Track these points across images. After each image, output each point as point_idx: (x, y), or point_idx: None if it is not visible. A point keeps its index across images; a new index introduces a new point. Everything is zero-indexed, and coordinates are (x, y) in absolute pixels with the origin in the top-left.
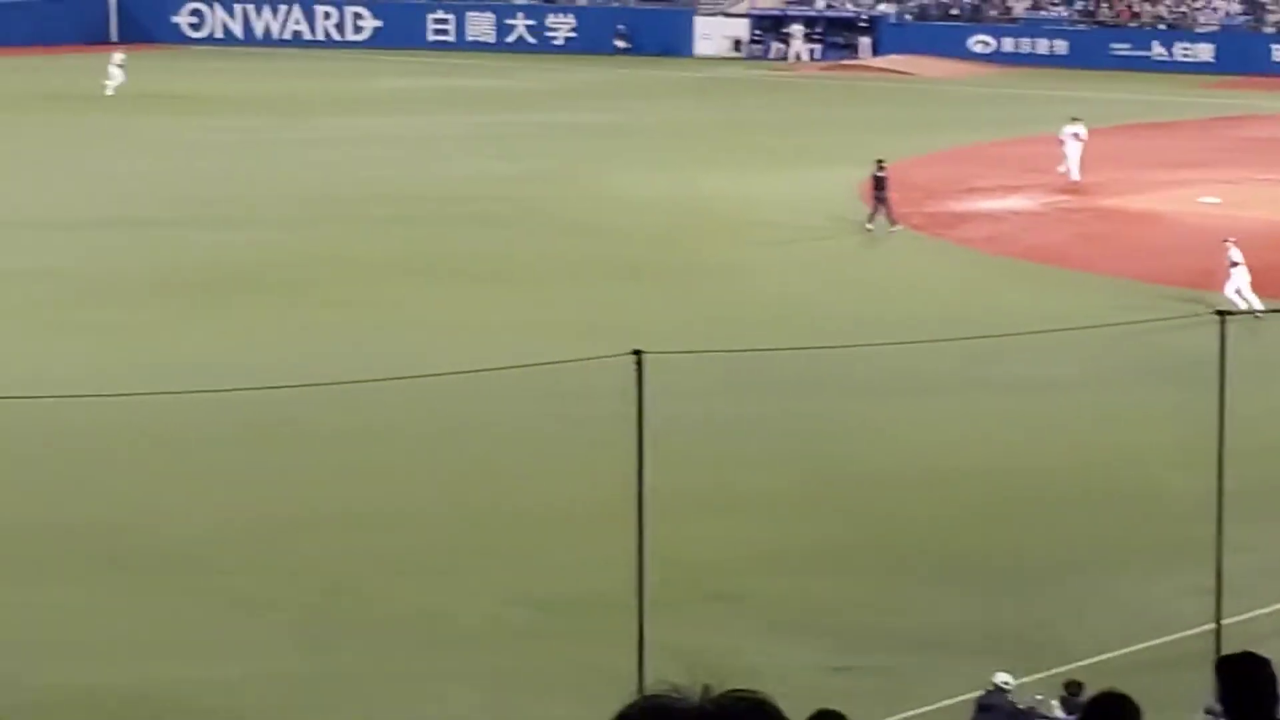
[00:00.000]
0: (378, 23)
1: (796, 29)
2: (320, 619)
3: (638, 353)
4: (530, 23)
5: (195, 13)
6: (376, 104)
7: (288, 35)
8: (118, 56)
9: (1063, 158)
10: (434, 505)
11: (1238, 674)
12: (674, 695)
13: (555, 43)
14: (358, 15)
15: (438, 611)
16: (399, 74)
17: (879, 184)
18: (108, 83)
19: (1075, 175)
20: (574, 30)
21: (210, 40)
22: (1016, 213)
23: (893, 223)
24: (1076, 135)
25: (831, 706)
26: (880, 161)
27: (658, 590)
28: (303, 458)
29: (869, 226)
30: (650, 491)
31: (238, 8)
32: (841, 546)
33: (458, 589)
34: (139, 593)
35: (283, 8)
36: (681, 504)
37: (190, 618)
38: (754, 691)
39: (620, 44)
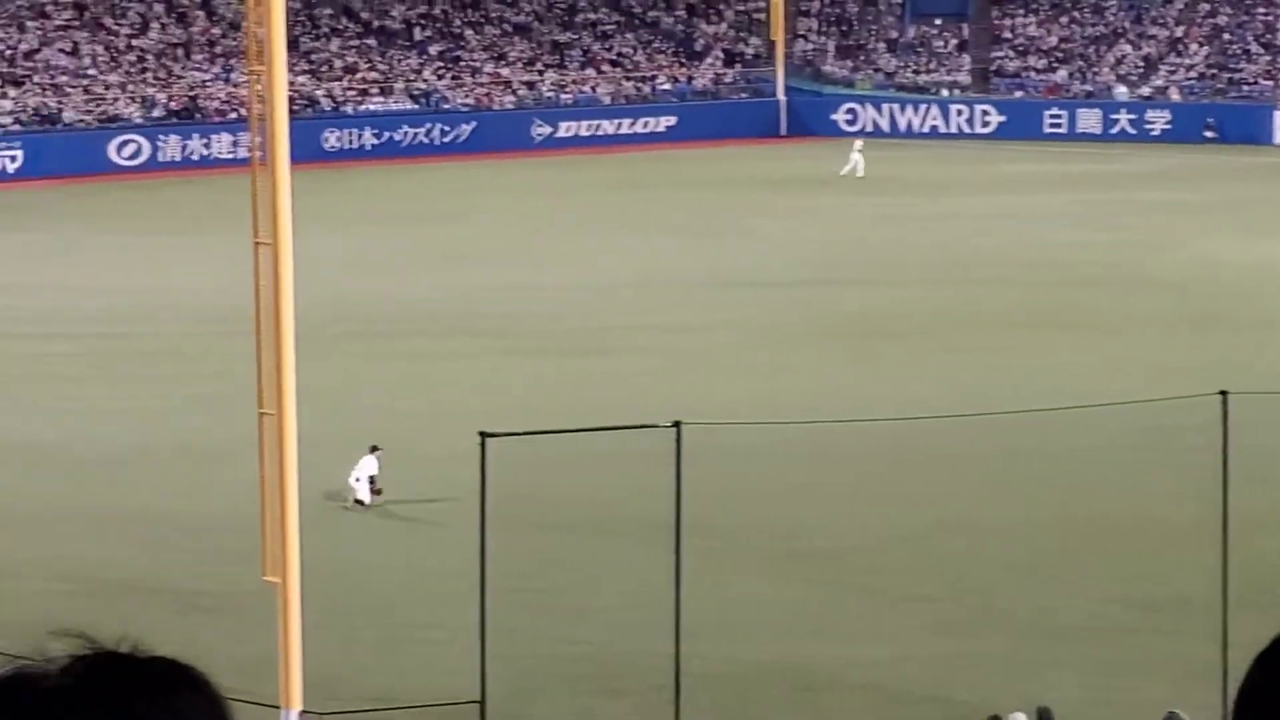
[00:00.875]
0: (1001, 118)
1: None
2: (949, 611)
3: (1224, 393)
4: (1131, 116)
5: (850, 111)
6: (996, 185)
7: (926, 129)
8: (858, 143)
9: None
10: (1043, 517)
11: None
12: None
13: (1152, 133)
14: (985, 111)
15: (1047, 607)
16: (1016, 160)
17: None
18: (847, 167)
19: None
20: (1169, 122)
21: (862, 134)
22: None
23: None
24: None
25: None
26: None
27: (1240, 595)
28: (936, 475)
29: None
30: (1234, 510)
31: (885, 106)
32: None
33: (1063, 589)
34: (806, 584)
35: (922, 106)
36: (1262, 522)
37: (844, 606)
38: None
39: (1209, 134)
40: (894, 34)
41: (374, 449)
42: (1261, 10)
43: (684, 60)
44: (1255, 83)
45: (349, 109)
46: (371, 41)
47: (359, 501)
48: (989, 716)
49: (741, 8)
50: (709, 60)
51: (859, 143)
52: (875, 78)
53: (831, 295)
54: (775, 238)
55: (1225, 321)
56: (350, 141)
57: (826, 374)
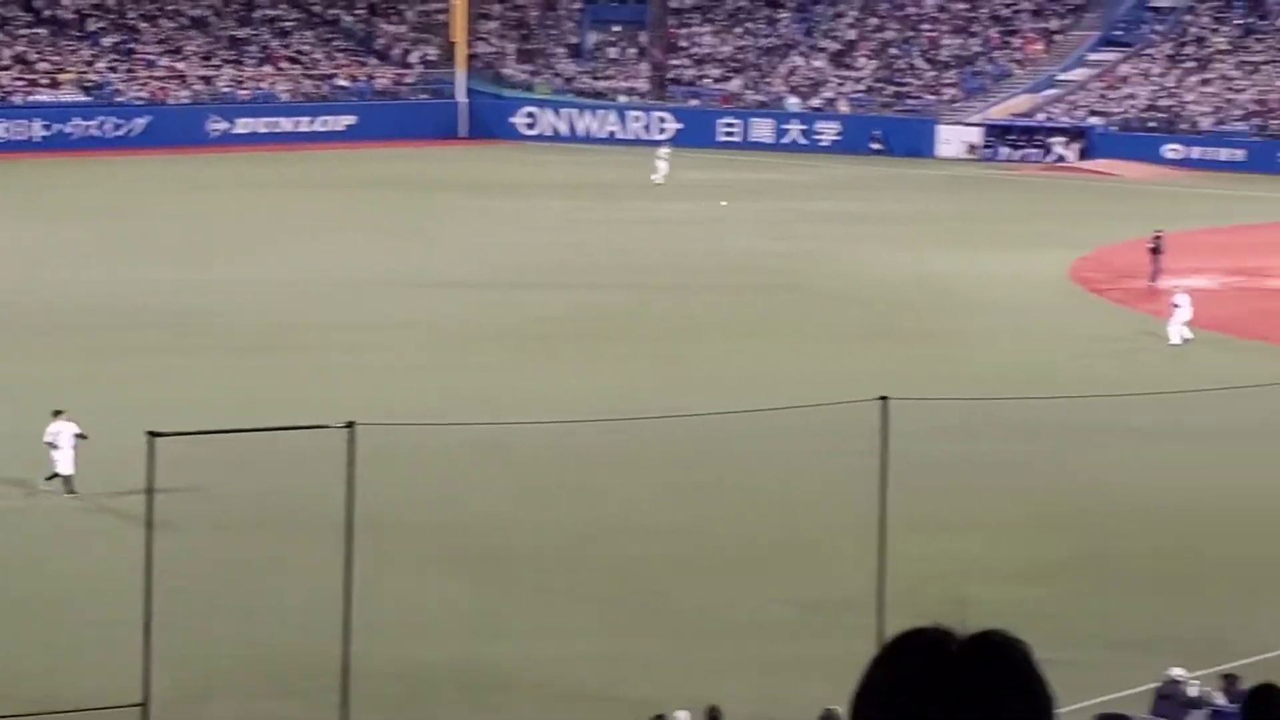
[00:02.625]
0: (679, 125)
1: (1020, 137)
2: (619, 610)
3: (883, 398)
4: (803, 127)
5: (529, 115)
6: (674, 192)
7: (604, 134)
8: (663, 150)
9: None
10: (712, 519)
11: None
12: (940, 630)
13: (822, 144)
14: (662, 119)
15: (714, 607)
16: (693, 167)
17: (1155, 251)
18: (655, 175)
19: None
20: (838, 134)
21: (540, 138)
22: (1200, 290)
23: (1152, 279)
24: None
25: None
26: (1158, 233)
27: (895, 595)
28: (607, 477)
29: (1151, 284)
30: (891, 514)
31: (564, 111)
32: (1050, 564)
33: (731, 589)
34: (479, 584)
35: (600, 112)
36: (917, 526)
37: (516, 606)
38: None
39: (875, 146)
40: (573, 40)
41: (58, 413)
42: (927, 27)
43: (364, 59)
44: (920, 97)
45: (17, 99)
46: (42, 31)
47: (60, 477)
48: (654, 716)
49: (423, 8)
50: (389, 60)
51: (664, 150)
52: (555, 83)
53: (514, 298)
54: (458, 239)
55: (892, 331)
56: (18, 133)
57: (507, 376)
